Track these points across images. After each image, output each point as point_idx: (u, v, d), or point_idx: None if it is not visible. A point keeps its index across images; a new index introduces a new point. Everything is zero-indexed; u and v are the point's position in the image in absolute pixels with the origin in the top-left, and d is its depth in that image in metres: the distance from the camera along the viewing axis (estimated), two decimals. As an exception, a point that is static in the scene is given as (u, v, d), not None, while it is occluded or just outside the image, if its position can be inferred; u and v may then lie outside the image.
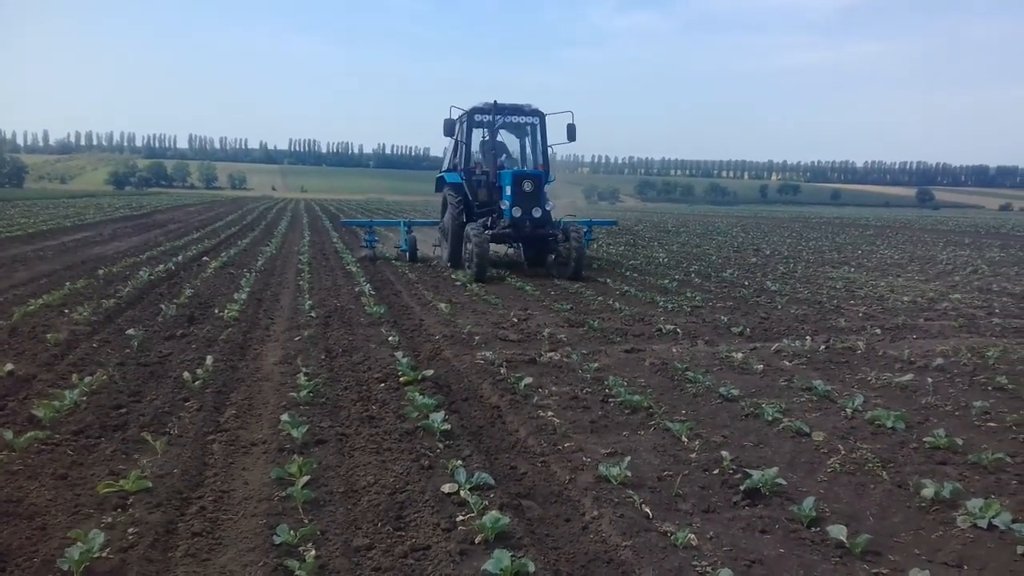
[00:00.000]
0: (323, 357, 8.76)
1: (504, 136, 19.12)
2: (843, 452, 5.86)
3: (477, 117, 18.31)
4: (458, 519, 4.55)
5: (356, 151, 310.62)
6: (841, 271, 20.18)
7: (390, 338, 9.75)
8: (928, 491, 4.98)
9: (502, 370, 8.27)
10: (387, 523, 4.56)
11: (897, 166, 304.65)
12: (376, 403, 7.00)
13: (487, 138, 18.52)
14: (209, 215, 45.89)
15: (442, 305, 12.53)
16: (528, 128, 18.67)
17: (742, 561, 4.16)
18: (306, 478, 4.99)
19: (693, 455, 5.79)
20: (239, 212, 50.52)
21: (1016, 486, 5.25)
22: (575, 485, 5.22)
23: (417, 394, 6.95)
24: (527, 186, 16.66)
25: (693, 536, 4.37)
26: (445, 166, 19.80)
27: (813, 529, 4.54)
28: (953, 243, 34.27)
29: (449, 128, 18.12)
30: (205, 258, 19.35)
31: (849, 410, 6.93)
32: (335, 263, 19.42)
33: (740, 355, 9.11)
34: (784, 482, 5.13)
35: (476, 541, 4.27)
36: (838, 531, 4.35)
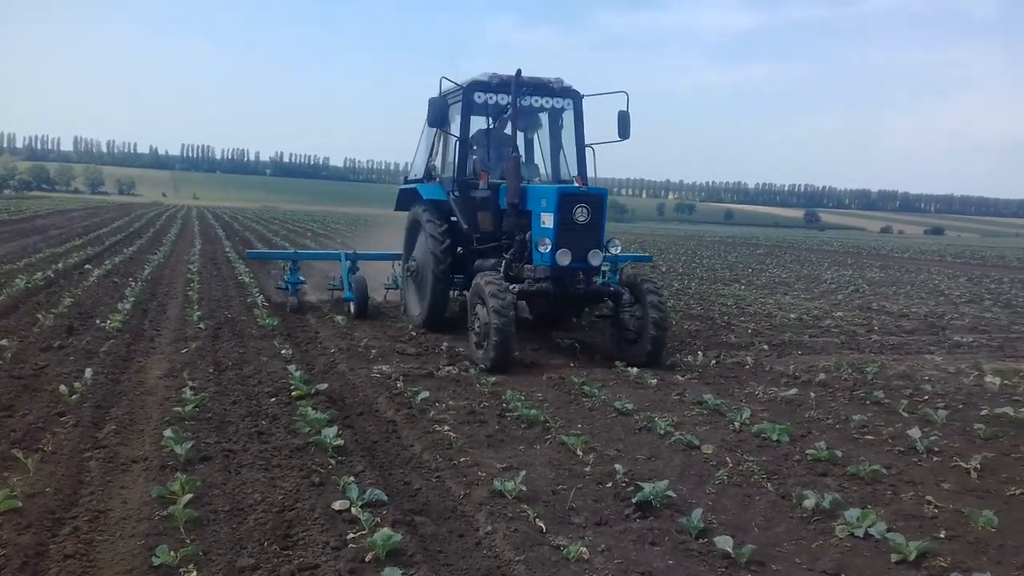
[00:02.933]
0: (211, 370, 8.46)
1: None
2: (731, 464, 6.01)
3: (479, 97, 10.96)
4: (349, 537, 4.44)
5: (252, 158, 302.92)
6: (732, 288, 20.82)
7: (283, 351, 9.51)
8: (809, 502, 5.15)
9: (399, 384, 8.17)
10: (274, 542, 4.41)
11: (786, 188, 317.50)
12: (266, 418, 6.79)
13: (498, 128, 11.61)
14: (94, 221, 43.91)
15: (338, 318, 12.31)
16: (553, 117, 11.73)
17: (632, 573, 4.20)
18: (189, 496, 4.79)
19: (587, 469, 5.83)
20: (126, 219, 48.52)
21: (891, 496, 5.48)
22: (470, 500, 5.18)
23: (309, 409, 6.79)
24: (582, 214, 9.48)
25: (585, 549, 4.40)
26: (416, 172, 12.68)
27: (701, 540, 4.63)
28: (837, 263, 35.90)
29: (439, 112, 10.65)
30: (88, 266, 18.46)
31: (737, 423, 7.13)
32: (227, 273, 18.84)
33: (635, 370, 9.27)
34: (674, 494, 5.22)
35: (367, 559, 4.18)
36: (724, 542, 4.44)
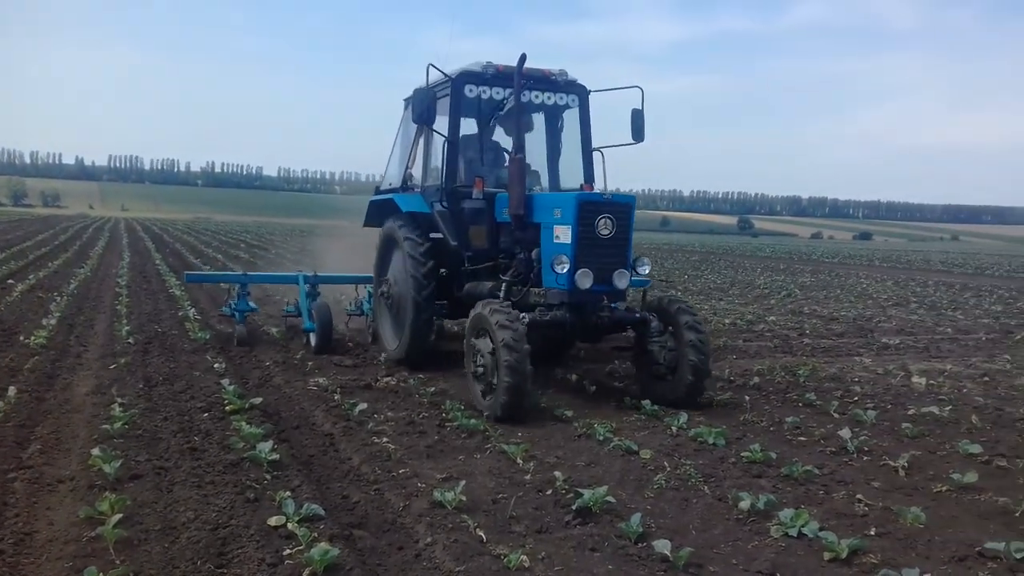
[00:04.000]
0: (141, 386, 8.23)
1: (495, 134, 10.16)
2: (668, 469, 6.08)
3: (470, 90, 9.34)
4: (285, 553, 4.36)
5: (183, 168, 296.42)
6: (669, 295, 21.07)
7: (216, 365, 9.31)
8: (745, 503, 5.24)
9: (336, 396, 8.07)
10: (207, 560, 4.30)
11: (720, 195, 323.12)
12: (199, 434, 6.63)
13: (493, 128, 9.90)
14: (16, 234, 42.42)
15: (273, 330, 12.11)
16: (553, 116, 10.05)
17: (573, 580, 4.20)
18: (118, 516, 4.63)
19: (528, 477, 5.83)
20: (51, 231, 47.03)
21: (823, 496, 5.61)
22: (409, 512, 5.13)
23: (244, 423, 6.66)
24: (606, 226, 7.94)
25: (525, 558, 4.39)
26: (392, 181, 10.87)
27: (640, 544, 4.67)
28: (769, 268, 36.71)
29: (425, 107, 8.90)
30: (10, 280, 17.82)
31: (675, 428, 7.22)
32: (157, 286, 18.38)
33: (575, 376, 9.32)
34: (613, 500, 5.25)
35: (304, 575, 4.11)
36: (663, 545, 4.48)
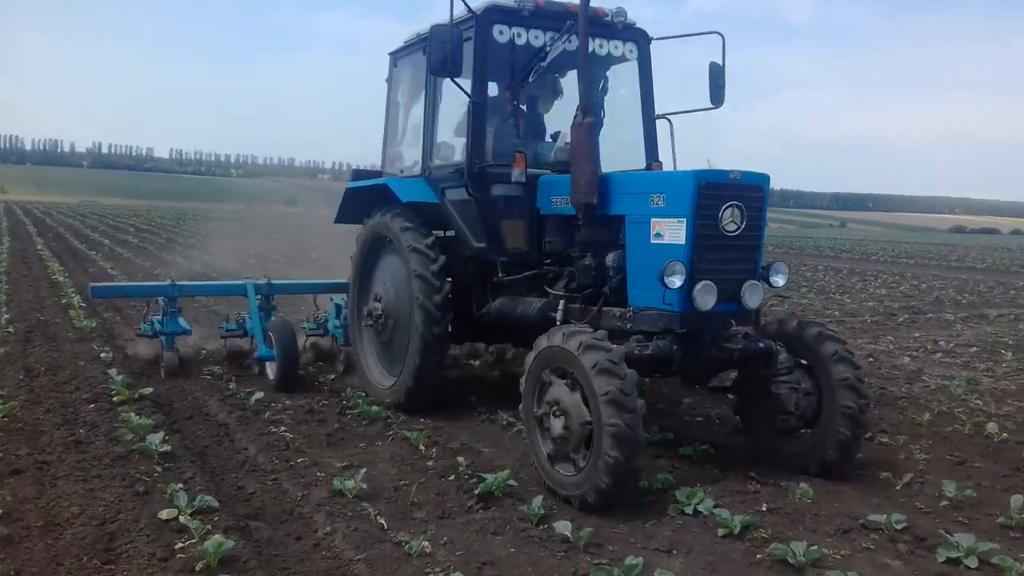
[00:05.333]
0: (21, 377, 7.82)
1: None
2: (570, 451, 6.12)
3: (500, 32, 6.82)
4: (177, 547, 4.21)
5: (67, 149, 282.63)
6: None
7: (103, 354, 8.91)
8: (644, 483, 5.35)
9: (231, 385, 7.84)
10: (94, 556, 4.13)
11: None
12: (85, 426, 6.34)
13: (532, 87, 7.40)
14: None
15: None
16: (600, 70, 7.40)
17: (474, 564, 4.20)
18: (-4, 514, 4.38)
19: (430, 463, 5.81)
20: (-79, 215, 44.17)
21: (718, 474, 5.77)
22: (308, 501, 5.03)
23: (133, 414, 6.40)
24: (734, 219, 5.60)
25: (427, 544, 4.37)
26: (397, 162, 8.25)
27: (542, 527, 4.70)
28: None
29: (447, 52, 6.28)
30: None
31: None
32: (39, 272, 17.50)
33: (477, 362, 9.31)
34: (516, 483, 5.28)
35: (197, 569, 3.98)
36: (563, 527, 4.54)
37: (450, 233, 7.23)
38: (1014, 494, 5.16)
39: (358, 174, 8.41)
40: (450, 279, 6.96)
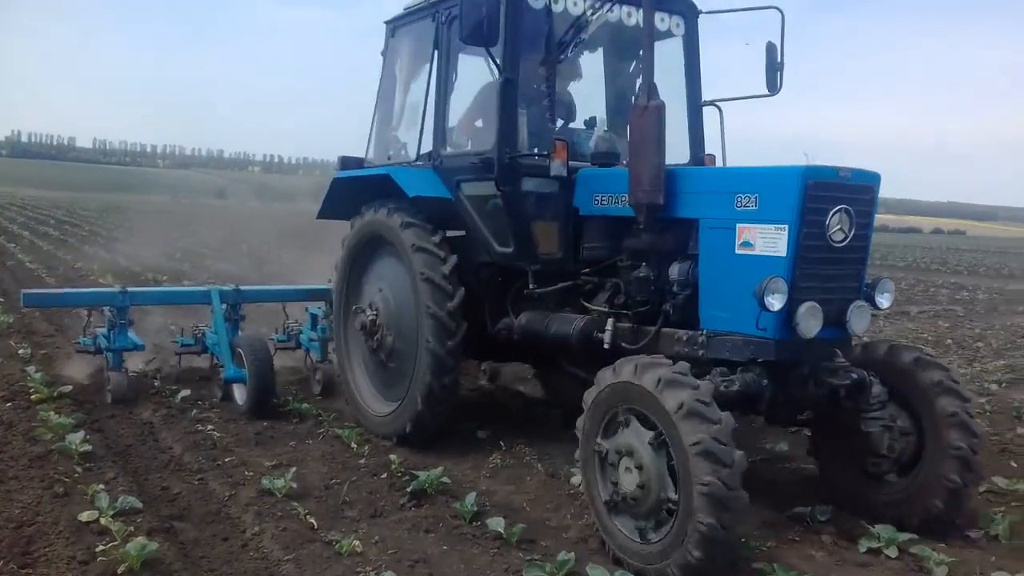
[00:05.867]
0: (-68, 375, 7.47)
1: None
2: (504, 448, 6.14)
3: None
4: (98, 549, 4.08)
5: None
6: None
7: (20, 351, 8.58)
8: (576, 479, 5.37)
9: (156, 382, 7.63)
10: (11, 560, 3.99)
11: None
12: (1, 425, 6.11)
13: (568, 64, 6.48)
14: None
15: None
16: (632, 46, 6.45)
17: (406, 562, 4.18)
18: (-99, 519, 4.19)
19: (362, 461, 5.76)
20: None
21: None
22: (235, 501, 4.93)
23: (52, 413, 6.18)
24: (842, 226, 4.59)
25: (358, 543, 4.32)
26: (375, 149, 7.26)
27: (475, 524, 4.70)
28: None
29: (483, 17, 5.32)
30: None
31: (513, 408, 7.31)
32: (-48, 265, 16.77)
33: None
34: (449, 480, 5.26)
35: (119, 572, 3.86)
36: (496, 523, 4.54)
37: (459, 233, 6.23)
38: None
39: (347, 162, 7.24)
40: (462, 287, 5.92)
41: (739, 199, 4.74)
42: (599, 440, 4.42)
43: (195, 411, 6.78)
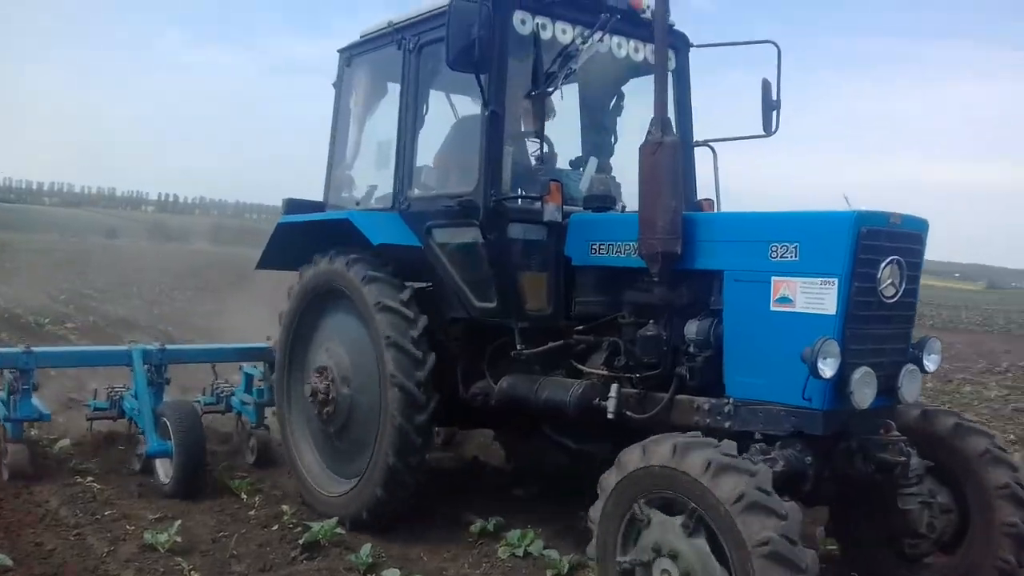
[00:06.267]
0: None
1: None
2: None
3: (522, 20, 5.25)
4: (-41, 613, 3.79)
5: None
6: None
7: None
8: (476, 526, 5.32)
9: (34, 431, 7.17)
10: None
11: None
12: None
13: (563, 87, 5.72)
14: None
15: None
16: (627, 79, 6.10)
17: (297, 619, 4.03)
18: None
19: (252, 512, 5.57)
20: None
21: (550, 516, 5.79)
22: (115, 558, 4.70)
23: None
24: (894, 279, 4.10)
25: (246, 599, 4.15)
26: (330, 191, 6.61)
27: (369, 575, 4.58)
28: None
29: (476, 38, 4.67)
30: None
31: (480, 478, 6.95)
32: None
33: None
34: (343, 532, 5.12)
35: (-19, 638, 3.59)
36: (392, 575, 4.45)
37: (424, 284, 5.56)
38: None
39: (295, 205, 6.52)
40: (433, 352, 5.24)
41: (775, 249, 4.16)
42: (620, 557, 3.77)
43: (74, 461, 6.43)
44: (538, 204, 5.11)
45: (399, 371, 5.03)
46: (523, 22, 5.21)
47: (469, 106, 6.04)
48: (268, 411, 6.81)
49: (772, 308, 4.15)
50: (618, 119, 6.12)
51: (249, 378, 7.13)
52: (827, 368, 3.77)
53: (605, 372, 4.80)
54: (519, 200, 5.28)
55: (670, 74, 5.54)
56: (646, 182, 4.45)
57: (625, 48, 5.62)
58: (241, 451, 6.95)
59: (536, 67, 5.32)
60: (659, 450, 3.61)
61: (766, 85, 5.55)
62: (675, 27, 5.77)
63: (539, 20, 5.26)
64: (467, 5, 4.68)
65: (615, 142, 6.13)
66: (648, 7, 5.45)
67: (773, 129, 5.61)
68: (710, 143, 5.90)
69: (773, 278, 4.16)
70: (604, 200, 5.24)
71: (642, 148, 4.48)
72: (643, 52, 5.66)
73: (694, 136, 6.05)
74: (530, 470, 6.61)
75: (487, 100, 5.06)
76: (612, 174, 5.92)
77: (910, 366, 4.21)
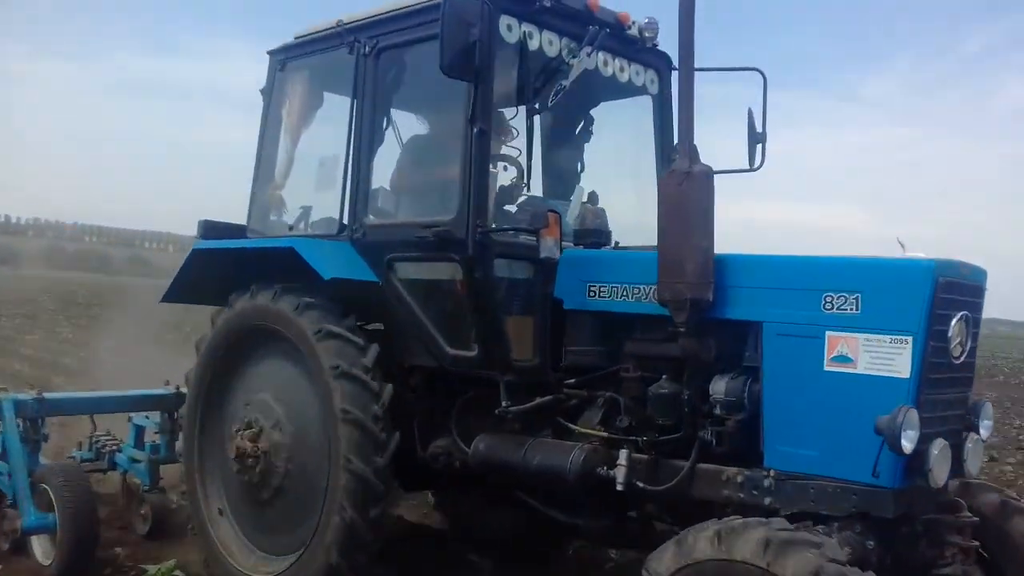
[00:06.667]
0: None
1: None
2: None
3: (508, 27, 4.45)
4: None
5: None
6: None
7: None
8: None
9: None
10: None
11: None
12: None
13: (557, 112, 5.40)
14: None
15: None
16: (584, 104, 5.44)
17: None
18: None
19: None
20: None
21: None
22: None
23: None
24: (959, 338, 3.62)
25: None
26: (256, 214, 5.68)
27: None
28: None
29: (474, 42, 4.06)
30: None
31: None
32: None
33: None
34: (181, 574, 4.92)
35: None
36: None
37: (375, 326, 4.90)
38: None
39: (213, 229, 5.54)
40: (389, 383, 4.47)
41: (829, 299, 3.62)
42: None
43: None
44: (527, 238, 4.43)
45: (352, 405, 4.24)
46: (509, 28, 4.49)
47: (414, 125, 5.48)
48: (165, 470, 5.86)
49: (826, 368, 3.59)
50: (585, 145, 5.51)
51: (140, 430, 6.03)
52: (909, 442, 3.24)
53: (605, 434, 4.15)
54: (510, 233, 4.53)
55: (650, 98, 5.36)
56: (670, 217, 3.83)
57: (611, 67, 4.96)
58: (129, 519, 5.89)
59: (522, 80, 4.65)
60: (699, 543, 3.06)
61: (751, 116, 4.85)
62: (658, 47, 5.29)
63: (526, 28, 4.55)
64: (465, 1, 4.05)
65: (581, 170, 5.50)
66: (634, 23, 5.05)
67: (758, 163, 4.88)
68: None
69: (827, 333, 3.60)
70: (598, 235, 4.66)
71: (665, 178, 3.92)
72: (628, 72, 5.09)
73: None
74: (483, 534, 5.81)
75: (475, 115, 4.28)
76: (599, 205, 5.07)
77: (974, 435, 3.76)
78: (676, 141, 3.79)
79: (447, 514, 6.27)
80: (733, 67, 5.10)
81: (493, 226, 4.38)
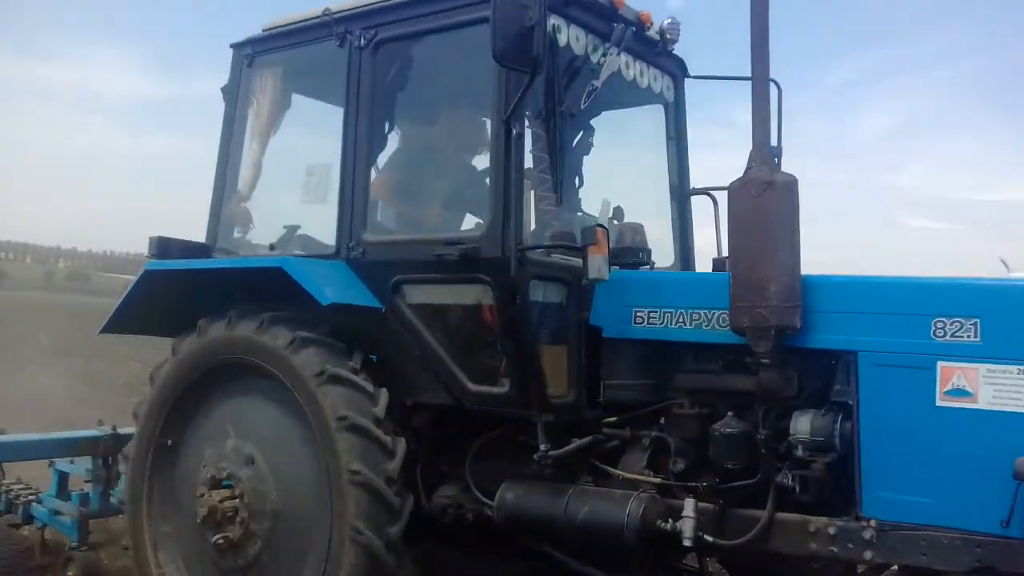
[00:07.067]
0: None
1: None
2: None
3: (557, 29, 3.97)
4: None
5: None
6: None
7: None
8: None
9: None
10: None
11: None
12: None
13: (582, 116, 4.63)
14: None
15: None
16: (587, 113, 4.64)
17: None
18: None
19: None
20: None
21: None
22: None
23: None
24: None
25: None
26: (220, 229, 4.91)
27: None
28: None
29: (529, 30, 3.33)
30: None
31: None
32: None
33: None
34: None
35: None
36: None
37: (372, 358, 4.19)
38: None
39: (169, 246, 4.71)
40: (403, 437, 3.89)
41: (941, 325, 3.24)
42: None
43: None
44: (562, 257, 3.96)
45: (363, 464, 3.64)
46: (557, 29, 4.03)
47: (420, 129, 4.92)
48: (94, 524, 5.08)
49: (939, 403, 3.20)
50: (584, 157, 4.89)
51: (63, 478, 5.25)
52: None
53: (658, 480, 3.69)
54: (552, 251, 3.96)
55: (663, 108, 4.94)
56: (746, 233, 3.43)
57: (632, 70, 4.47)
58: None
59: (552, 79, 4.14)
60: None
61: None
62: (674, 51, 4.86)
63: (554, 21, 3.96)
64: None
65: (581, 184, 4.90)
66: (655, 25, 4.61)
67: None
68: (710, 191, 4.83)
69: (940, 363, 3.21)
70: (638, 254, 4.21)
71: (738, 189, 3.46)
72: (647, 76, 4.63)
73: (691, 182, 5.07)
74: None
75: (509, 115, 3.68)
76: (625, 220, 4.58)
77: None
78: (751, 148, 3.43)
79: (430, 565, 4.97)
80: (746, 77, 4.20)
81: (530, 243, 3.84)
